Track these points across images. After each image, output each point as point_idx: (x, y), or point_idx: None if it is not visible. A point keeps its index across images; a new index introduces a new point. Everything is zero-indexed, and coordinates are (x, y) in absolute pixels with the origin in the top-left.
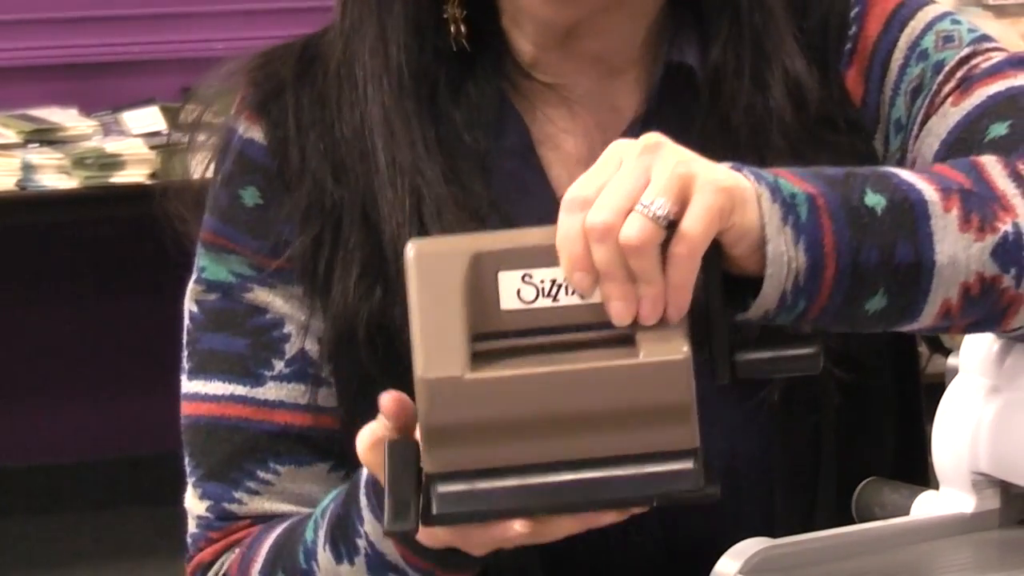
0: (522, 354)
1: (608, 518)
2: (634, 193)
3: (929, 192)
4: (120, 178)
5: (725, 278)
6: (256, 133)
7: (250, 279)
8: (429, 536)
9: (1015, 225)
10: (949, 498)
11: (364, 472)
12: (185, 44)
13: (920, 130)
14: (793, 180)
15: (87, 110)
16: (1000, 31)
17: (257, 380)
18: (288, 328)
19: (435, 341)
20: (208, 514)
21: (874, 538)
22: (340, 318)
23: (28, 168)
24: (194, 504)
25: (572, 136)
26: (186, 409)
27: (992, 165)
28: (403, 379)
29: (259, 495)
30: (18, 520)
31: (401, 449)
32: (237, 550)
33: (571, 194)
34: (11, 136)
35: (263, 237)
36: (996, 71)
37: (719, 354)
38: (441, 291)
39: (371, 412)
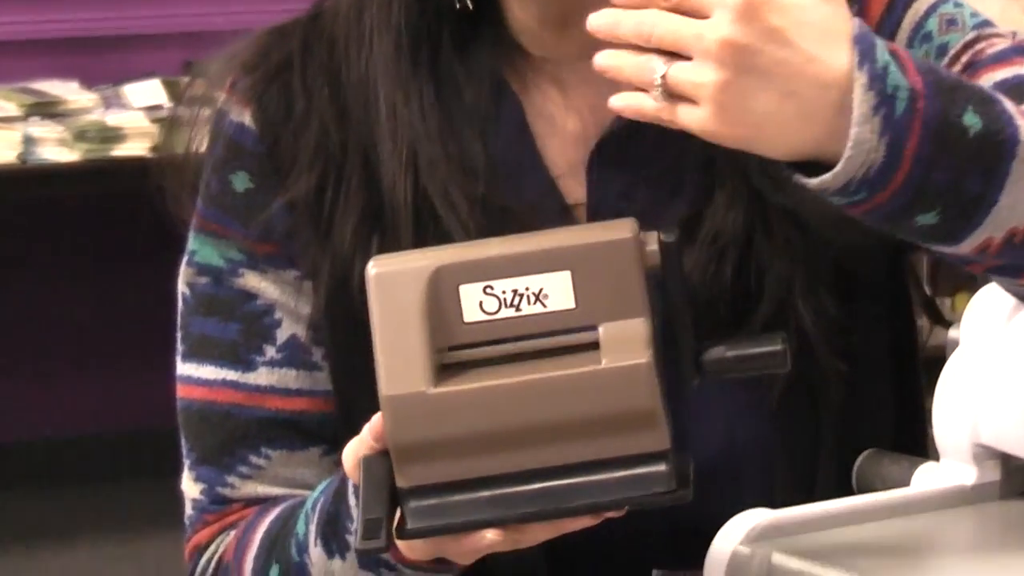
0: (487, 365)
1: (582, 523)
2: None
3: None
4: (121, 151)
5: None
6: (246, 117)
7: (241, 264)
8: (408, 549)
9: None
10: (950, 470)
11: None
12: (187, 18)
13: None
14: (907, 68)
15: (88, 83)
16: (1003, 7)
17: (249, 366)
18: (279, 314)
19: (397, 358)
20: (202, 497)
21: (875, 509)
22: (338, 261)
23: (29, 141)
24: (189, 487)
25: (566, 113)
26: (180, 391)
27: None
28: None
29: (251, 479)
30: (19, 494)
31: (376, 465)
32: (232, 533)
33: None
34: (12, 109)
35: (254, 222)
36: (1003, 58)
37: (685, 354)
38: (402, 308)
39: (364, 388)
